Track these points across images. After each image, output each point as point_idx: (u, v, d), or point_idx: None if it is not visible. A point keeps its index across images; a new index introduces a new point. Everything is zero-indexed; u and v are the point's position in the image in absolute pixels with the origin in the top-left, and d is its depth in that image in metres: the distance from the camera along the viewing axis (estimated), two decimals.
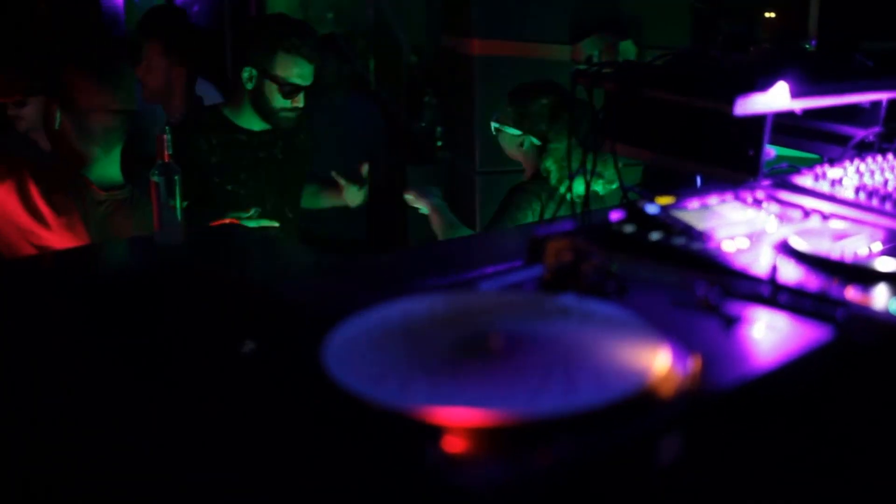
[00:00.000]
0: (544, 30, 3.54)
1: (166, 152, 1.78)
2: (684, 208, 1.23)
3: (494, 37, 3.54)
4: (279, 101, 2.58)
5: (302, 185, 2.86)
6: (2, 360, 1.05)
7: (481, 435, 0.73)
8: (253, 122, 2.65)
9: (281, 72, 2.55)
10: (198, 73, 3.11)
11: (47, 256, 1.91)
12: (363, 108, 4.27)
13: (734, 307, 0.99)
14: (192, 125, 2.64)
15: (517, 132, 2.69)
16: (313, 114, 3.47)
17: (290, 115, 2.61)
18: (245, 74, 2.58)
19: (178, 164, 1.79)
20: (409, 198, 2.94)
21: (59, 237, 2.02)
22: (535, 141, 2.67)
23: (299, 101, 2.60)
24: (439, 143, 4.33)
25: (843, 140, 1.59)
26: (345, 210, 3.84)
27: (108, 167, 2.13)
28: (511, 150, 2.76)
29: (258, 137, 2.67)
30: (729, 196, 1.32)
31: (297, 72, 2.56)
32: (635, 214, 1.18)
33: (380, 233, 4.13)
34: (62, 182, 2.07)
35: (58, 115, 2.07)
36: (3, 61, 2.69)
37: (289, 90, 2.56)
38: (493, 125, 2.75)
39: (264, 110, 2.60)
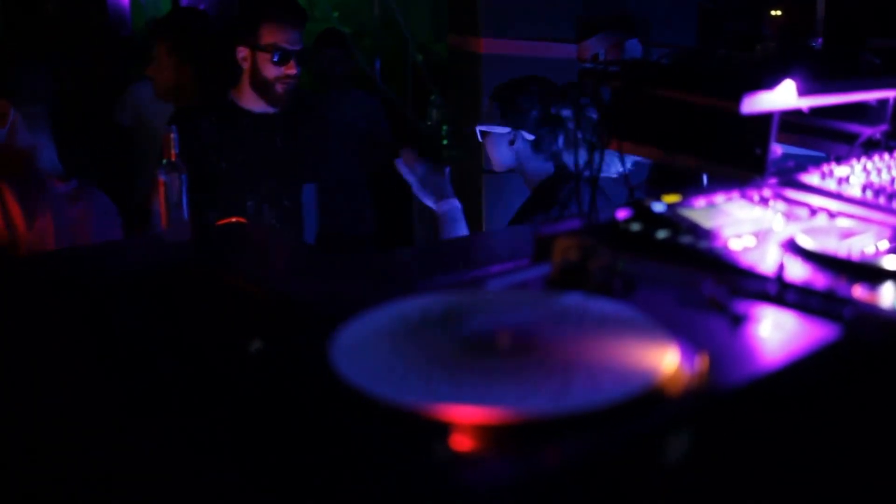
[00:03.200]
0: (551, 28, 3.54)
1: (173, 151, 1.78)
2: (691, 206, 1.23)
3: (501, 35, 3.54)
4: (273, 71, 2.67)
5: (305, 179, 2.91)
6: (5, 358, 1.05)
7: (489, 433, 0.73)
8: (255, 104, 2.75)
9: (269, 40, 2.65)
10: (211, 71, 3.15)
11: (54, 255, 1.91)
12: (361, 103, 4.26)
13: (741, 305, 0.99)
14: (197, 107, 2.77)
15: (506, 129, 2.57)
16: (316, 110, 3.46)
17: (287, 84, 2.69)
18: (240, 55, 2.70)
19: (184, 157, 1.80)
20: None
21: (33, 237, 2.04)
22: (528, 136, 2.55)
23: (292, 68, 2.68)
24: (445, 142, 4.33)
25: (850, 138, 1.58)
26: (351, 207, 3.81)
27: (52, 154, 2.20)
28: (500, 155, 2.63)
29: (259, 120, 2.76)
30: (735, 194, 1.32)
31: (285, 37, 2.66)
32: (642, 213, 1.18)
33: (388, 230, 4.13)
34: (27, 180, 2.10)
35: (11, 110, 2.12)
36: None
37: (280, 56, 2.65)
38: (479, 129, 2.66)
39: (262, 85, 2.70)
